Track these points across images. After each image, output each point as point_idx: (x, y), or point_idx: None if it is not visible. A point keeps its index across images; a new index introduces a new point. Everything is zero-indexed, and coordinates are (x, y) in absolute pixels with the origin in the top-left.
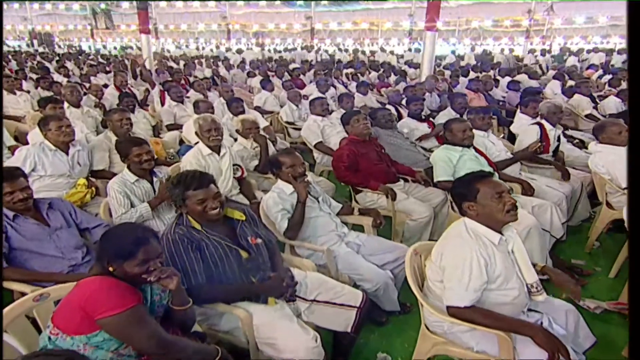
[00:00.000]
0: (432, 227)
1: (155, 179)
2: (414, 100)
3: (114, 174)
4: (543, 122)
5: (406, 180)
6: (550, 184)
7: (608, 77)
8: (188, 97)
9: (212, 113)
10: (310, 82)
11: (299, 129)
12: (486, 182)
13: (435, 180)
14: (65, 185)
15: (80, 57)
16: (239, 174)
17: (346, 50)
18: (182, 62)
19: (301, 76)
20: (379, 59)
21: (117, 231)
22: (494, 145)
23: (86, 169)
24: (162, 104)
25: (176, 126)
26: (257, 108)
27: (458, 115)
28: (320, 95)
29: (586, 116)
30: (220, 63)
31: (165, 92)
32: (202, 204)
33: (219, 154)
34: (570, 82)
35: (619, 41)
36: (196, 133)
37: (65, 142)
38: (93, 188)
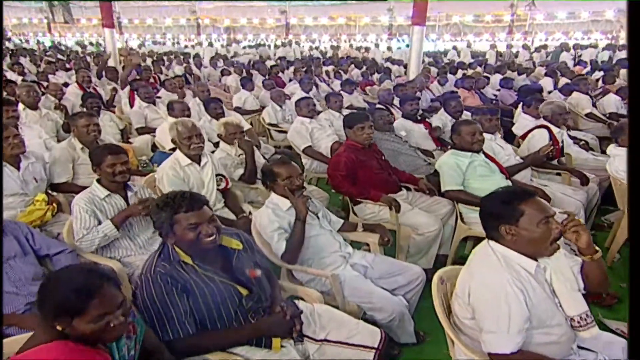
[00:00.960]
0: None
1: (130, 194)
2: (409, 100)
3: (81, 188)
4: (547, 124)
5: (408, 189)
6: (563, 191)
7: (599, 73)
8: (159, 98)
9: (189, 115)
10: (291, 80)
11: (284, 131)
12: (531, 203)
13: (442, 189)
14: (19, 204)
15: (36, 53)
16: (223, 185)
17: (338, 47)
18: (149, 59)
19: (280, 74)
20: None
21: (58, 279)
22: (502, 149)
23: (44, 183)
24: (131, 105)
25: (147, 129)
26: (237, 109)
27: (450, 116)
28: (305, 94)
29: (586, 115)
30: (191, 60)
31: (134, 92)
32: (194, 230)
33: (199, 164)
34: (563, 80)
35: (600, 37)
36: (173, 140)
37: (14, 155)
38: (54, 204)
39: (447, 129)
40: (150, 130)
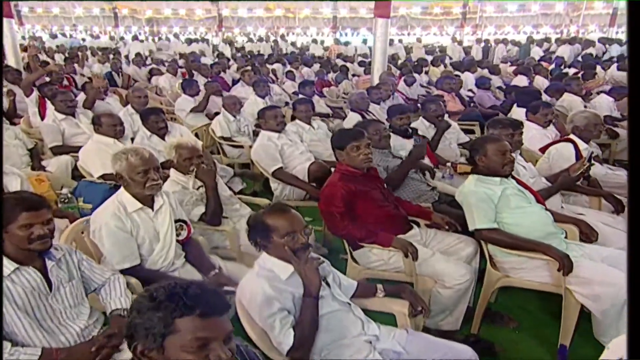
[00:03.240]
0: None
1: (50, 264)
2: (398, 113)
3: None
4: (573, 137)
5: (416, 224)
6: (603, 220)
7: (569, 70)
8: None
9: (122, 132)
10: (234, 81)
11: (239, 146)
12: None
13: (471, 227)
14: None
15: None
16: (184, 234)
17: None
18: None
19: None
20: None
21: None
22: (525, 170)
23: None
24: (42, 116)
25: (66, 149)
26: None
27: (432, 125)
28: (261, 99)
29: None
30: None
31: (45, 100)
32: (203, 348)
33: (152, 208)
34: (539, 78)
35: (549, 31)
36: (119, 176)
37: None
38: None
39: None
40: (70, 150)
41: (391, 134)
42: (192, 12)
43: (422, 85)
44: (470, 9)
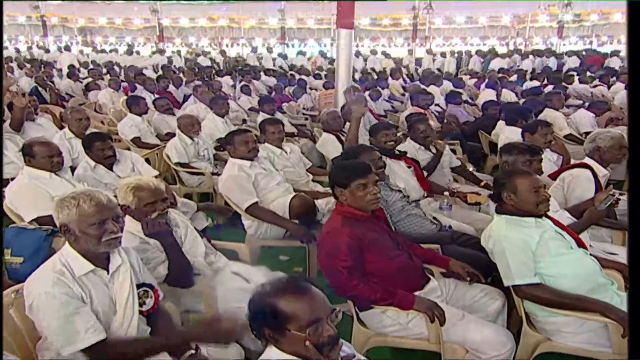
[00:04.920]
0: None
1: None
2: (383, 129)
3: None
4: (589, 161)
5: (430, 272)
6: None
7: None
8: None
9: (60, 162)
10: (186, 97)
11: (198, 173)
12: None
13: (508, 283)
14: None
15: None
16: (150, 303)
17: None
18: None
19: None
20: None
21: None
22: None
23: None
24: None
25: None
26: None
27: (421, 147)
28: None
29: (566, 137)
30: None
31: None
32: None
33: (107, 270)
34: (506, 92)
35: (496, 43)
36: (65, 228)
37: None
38: None
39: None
40: None
41: None
42: (129, 22)
43: (386, 100)
44: (419, 21)
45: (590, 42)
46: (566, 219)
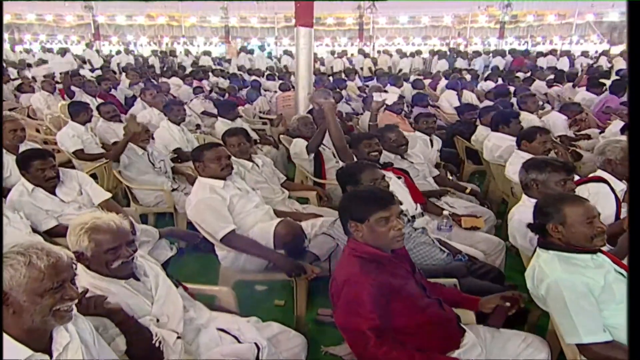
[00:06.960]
0: None
1: None
2: (365, 139)
3: None
4: (603, 173)
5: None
6: None
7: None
8: None
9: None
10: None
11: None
12: None
13: (573, 340)
14: None
15: None
16: None
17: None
18: None
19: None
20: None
21: None
22: None
23: None
24: None
25: None
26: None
27: (397, 156)
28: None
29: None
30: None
31: None
32: None
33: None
34: (467, 93)
35: (437, 42)
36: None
37: None
38: None
39: None
40: None
41: None
42: (61, 19)
43: (346, 102)
44: (363, 20)
45: (526, 43)
46: None
